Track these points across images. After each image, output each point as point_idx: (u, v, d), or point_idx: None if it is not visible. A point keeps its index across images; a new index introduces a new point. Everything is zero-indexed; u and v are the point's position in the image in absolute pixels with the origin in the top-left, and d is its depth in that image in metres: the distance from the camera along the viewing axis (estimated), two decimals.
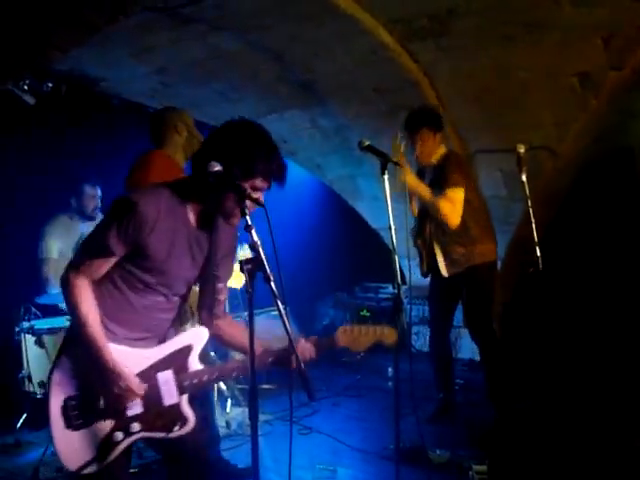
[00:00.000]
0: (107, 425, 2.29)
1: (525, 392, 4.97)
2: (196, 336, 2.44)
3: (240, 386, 4.92)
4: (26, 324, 4.62)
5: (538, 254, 3.44)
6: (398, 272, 3.02)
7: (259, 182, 2.25)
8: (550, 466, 3.86)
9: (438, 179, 4.46)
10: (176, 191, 2.30)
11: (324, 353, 2.62)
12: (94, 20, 3.19)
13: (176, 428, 2.36)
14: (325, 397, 5.48)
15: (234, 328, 2.63)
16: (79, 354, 2.28)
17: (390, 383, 5.92)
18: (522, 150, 3.67)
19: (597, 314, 5.50)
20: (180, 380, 2.36)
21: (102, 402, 2.28)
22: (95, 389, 2.27)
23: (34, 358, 4.61)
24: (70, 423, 2.26)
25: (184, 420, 2.37)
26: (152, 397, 2.33)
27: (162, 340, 2.45)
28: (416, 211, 4.72)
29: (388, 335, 2.71)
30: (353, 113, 6.09)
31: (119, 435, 2.29)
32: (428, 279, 4.82)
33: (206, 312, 2.56)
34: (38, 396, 4.57)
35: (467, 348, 6.32)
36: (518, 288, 4.42)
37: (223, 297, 2.58)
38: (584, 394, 4.78)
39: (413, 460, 3.94)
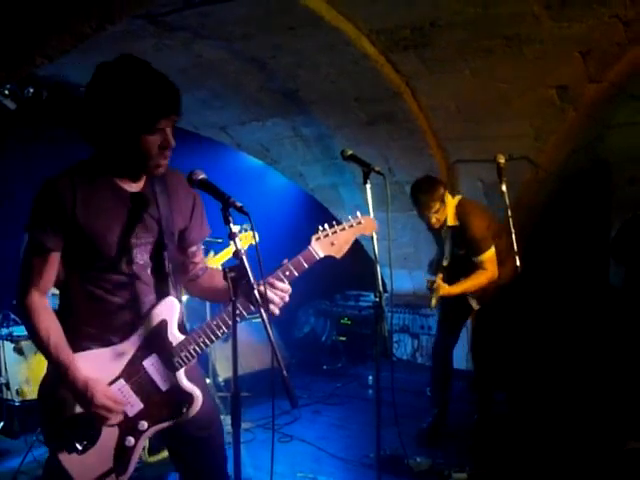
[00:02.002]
0: (114, 434, 2.18)
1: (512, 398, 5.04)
2: (167, 308, 2.25)
3: (221, 394, 4.90)
4: (4, 330, 4.59)
5: (518, 263, 3.48)
6: (380, 280, 3.04)
7: (163, 123, 2.07)
8: (532, 474, 3.91)
9: (463, 240, 4.37)
10: (89, 165, 2.18)
11: (305, 272, 2.36)
12: (81, 28, 3.18)
13: (184, 409, 2.23)
14: (306, 405, 5.48)
15: (214, 279, 2.45)
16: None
17: (371, 391, 5.93)
18: (502, 160, 3.71)
19: (576, 318, 5.58)
20: (167, 359, 2.22)
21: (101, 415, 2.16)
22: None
23: (12, 365, 4.59)
24: (75, 448, 2.13)
25: (189, 398, 2.24)
26: (147, 388, 2.21)
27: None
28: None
29: (367, 225, 2.52)
30: (335, 122, 6.12)
31: (130, 440, 2.19)
32: (409, 287, 4.85)
33: (183, 277, 2.41)
34: (16, 404, 4.54)
35: None
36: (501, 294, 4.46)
37: (199, 259, 2.45)
38: (568, 400, 4.85)
39: (394, 468, 3.98)
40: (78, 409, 2.15)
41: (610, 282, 6.08)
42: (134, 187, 2.23)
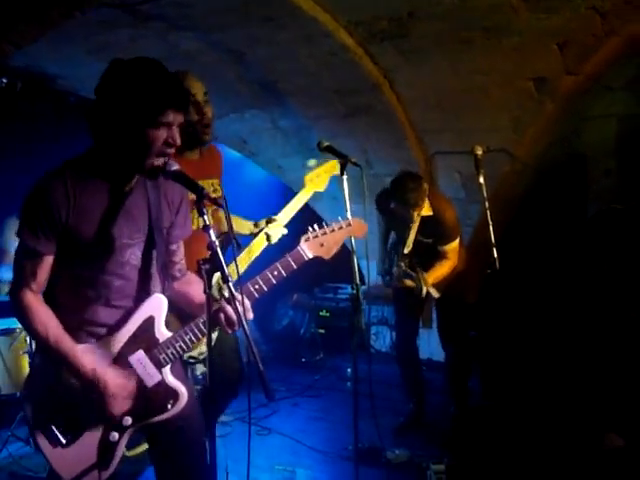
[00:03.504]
0: (98, 430, 2.18)
1: (489, 390, 5.07)
2: (154, 305, 2.27)
3: (198, 387, 4.87)
4: None
5: (495, 255, 3.49)
6: (357, 273, 3.03)
7: (170, 116, 2.03)
8: (510, 465, 3.93)
9: (434, 229, 4.41)
10: (83, 163, 2.15)
11: (293, 273, 2.35)
12: (49, 14, 3.12)
13: (169, 406, 2.24)
14: (284, 397, 5.48)
15: (190, 286, 2.42)
16: (50, 370, 2.18)
17: (349, 383, 5.95)
18: (480, 152, 3.71)
19: (554, 311, 5.62)
20: (154, 355, 2.23)
21: (85, 409, 2.17)
22: (74, 398, 2.17)
23: None
24: (58, 441, 2.15)
25: (174, 394, 2.26)
26: (133, 384, 2.21)
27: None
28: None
29: (356, 228, 2.56)
30: (314, 114, 6.11)
31: (115, 435, 2.19)
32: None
33: (163, 276, 2.37)
34: None
35: (424, 348, 6.39)
36: (480, 288, 4.51)
37: (178, 258, 2.42)
38: (545, 391, 4.88)
39: (372, 460, 3.98)
40: (63, 403, 2.16)
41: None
42: (128, 184, 2.19)
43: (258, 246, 3.38)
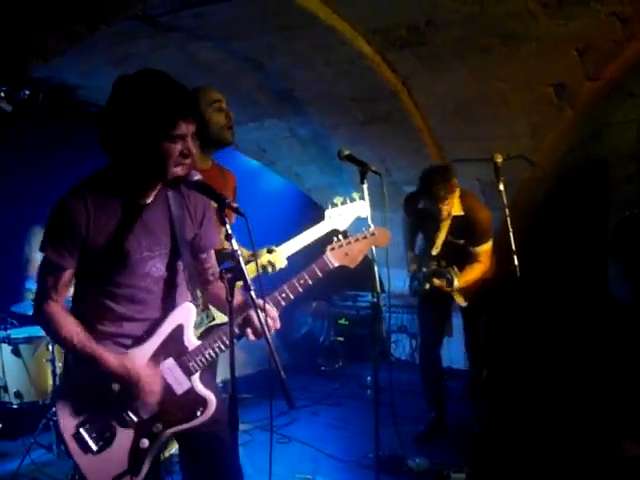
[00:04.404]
0: (129, 437, 2.22)
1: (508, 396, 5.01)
2: (183, 313, 2.32)
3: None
4: (2, 333, 4.58)
5: (516, 262, 3.47)
6: (377, 281, 3.03)
7: (183, 128, 2.05)
8: (530, 474, 3.89)
9: (466, 230, 4.31)
10: (100, 179, 2.19)
11: (319, 280, 2.41)
12: (77, 28, 3.18)
13: (198, 413, 2.28)
14: (304, 406, 5.47)
15: (222, 289, 2.31)
16: (81, 375, 2.23)
17: (369, 391, 5.92)
18: (499, 160, 3.70)
19: (574, 319, 5.57)
20: (183, 363, 2.27)
21: (116, 414, 2.21)
22: (105, 403, 2.21)
23: (10, 368, 4.57)
24: (89, 448, 2.18)
25: (203, 402, 2.29)
26: (163, 391, 2.24)
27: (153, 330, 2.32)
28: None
29: (380, 237, 2.58)
30: (332, 122, 6.11)
31: (145, 442, 2.23)
32: (407, 287, 4.81)
33: (192, 285, 2.41)
34: (14, 406, 4.54)
35: (444, 356, 6.35)
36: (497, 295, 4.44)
37: (210, 264, 2.47)
38: (564, 400, 4.83)
39: (392, 469, 3.96)
40: (95, 410, 2.20)
41: (608, 280, 6.07)
42: (147, 198, 2.23)
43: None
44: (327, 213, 3.35)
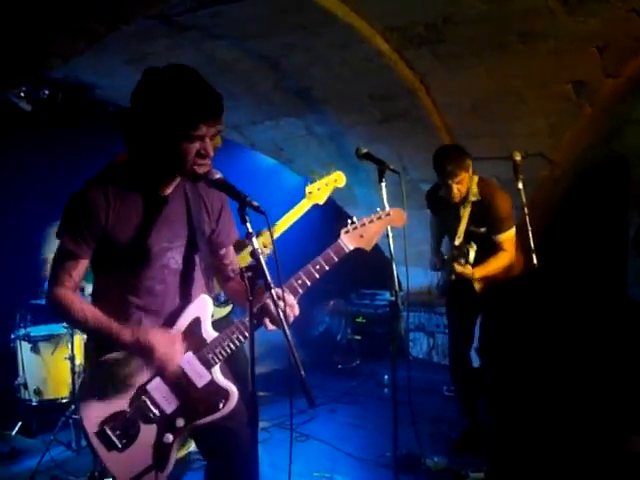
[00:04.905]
0: (152, 432, 2.22)
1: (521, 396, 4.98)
2: (200, 306, 2.32)
3: None
4: (22, 331, 4.62)
5: (535, 261, 3.44)
6: (396, 279, 3.02)
7: (203, 130, 2.04)
8: (546, 472, 3.87)
9: (486, 216, 4.17)
10: (121, 170, 2.21)
11: (335, 265, 2.37)
12: (96, 28, 3.20)
13: (221, 405, 2.27)
14: (322, 404, 5.47)
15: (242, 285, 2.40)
16: (104, 371, 2.23)
17: (386, 390, 5.91)
18: (518, 158, 3.67)
19: (593, 317, 5.53)
20: (202, 356, 2.26)
21: (141, 412, 2.21)
22: (130, 400, 2.21)
23: (30, 365, 4.60)
24: (114, 445, 2.18)
25: (225, 394, 2.29)
26: (183, 385, 2.24)
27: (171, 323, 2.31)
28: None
29: (396, 217, 2.54)
30: (349, 121, 6.11)
31: (169, 437, 2.22)
32: (425, 285, 4.79)
33: (207, 277, 2.41)
34: (34, 403, 4.57)
35: None
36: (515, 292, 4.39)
37: (229, 260, 2.47)
38: (578, 397, 4.80)
39: (410, 467, 3.95)
40: (118, 407, 2.20)
41: (628, 278, 6.02)
42: (166, 190, 2.25)
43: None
44: (307, 189, 3.49)
